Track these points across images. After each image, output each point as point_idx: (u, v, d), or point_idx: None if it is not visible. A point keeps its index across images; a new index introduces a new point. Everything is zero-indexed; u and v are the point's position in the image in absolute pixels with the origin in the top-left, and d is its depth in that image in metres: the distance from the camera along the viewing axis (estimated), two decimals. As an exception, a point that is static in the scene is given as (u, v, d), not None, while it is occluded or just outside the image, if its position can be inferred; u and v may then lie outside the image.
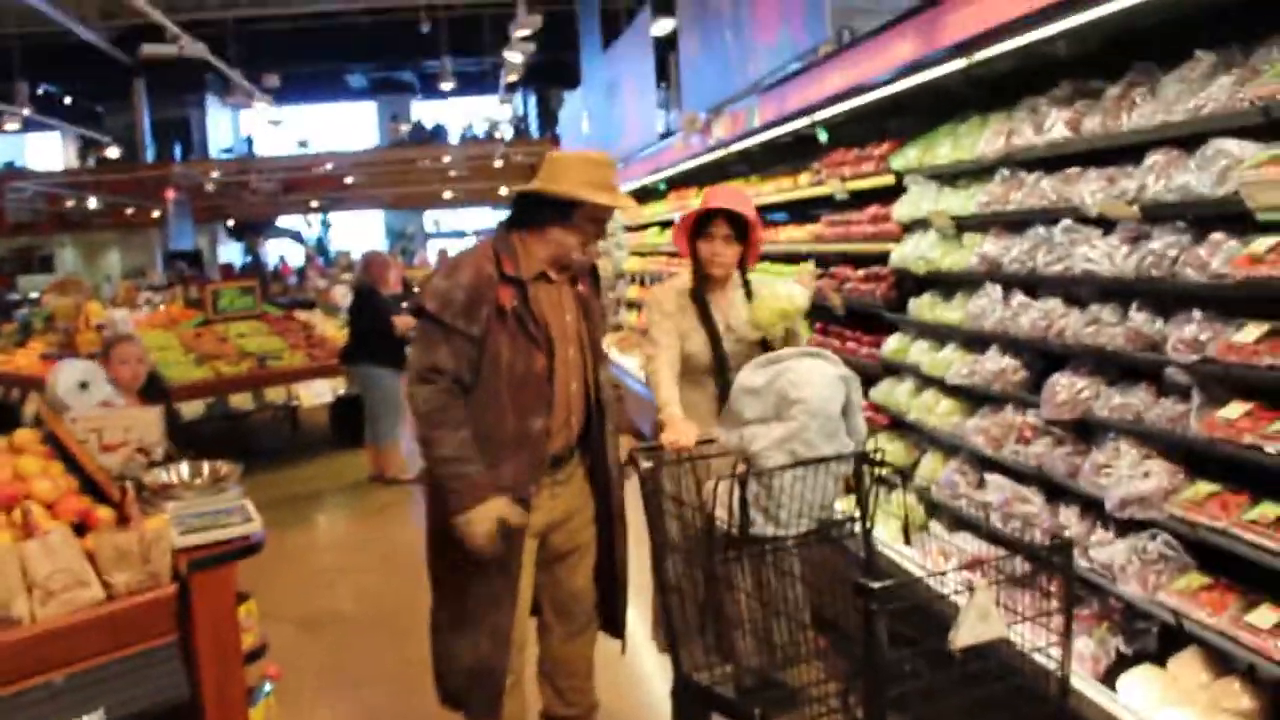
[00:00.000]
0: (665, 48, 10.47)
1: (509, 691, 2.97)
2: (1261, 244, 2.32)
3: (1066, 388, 2.98)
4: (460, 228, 32.29)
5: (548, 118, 28.08)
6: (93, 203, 26.09)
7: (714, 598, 3.10)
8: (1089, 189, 2.94)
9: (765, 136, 5.69)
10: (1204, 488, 2.47)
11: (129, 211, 26.83)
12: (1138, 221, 2.78)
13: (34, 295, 17.15)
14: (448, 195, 28.21)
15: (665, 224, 9.06)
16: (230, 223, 30.50)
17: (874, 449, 2.94)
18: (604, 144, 11.75)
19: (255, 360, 8.22)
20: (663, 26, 9.66)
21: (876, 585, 2.22)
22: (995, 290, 3.47)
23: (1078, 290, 3.10)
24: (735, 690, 3.01)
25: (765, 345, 3.40)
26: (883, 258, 4.39)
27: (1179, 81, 2.69)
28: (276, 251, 31.87)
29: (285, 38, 23.43)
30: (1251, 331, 2.35)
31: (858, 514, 3.02)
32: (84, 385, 3.61)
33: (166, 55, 11.58)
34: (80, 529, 2.93)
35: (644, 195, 9.94)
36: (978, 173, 3.71)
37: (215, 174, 26.85)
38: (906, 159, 4.17)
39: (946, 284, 3.92)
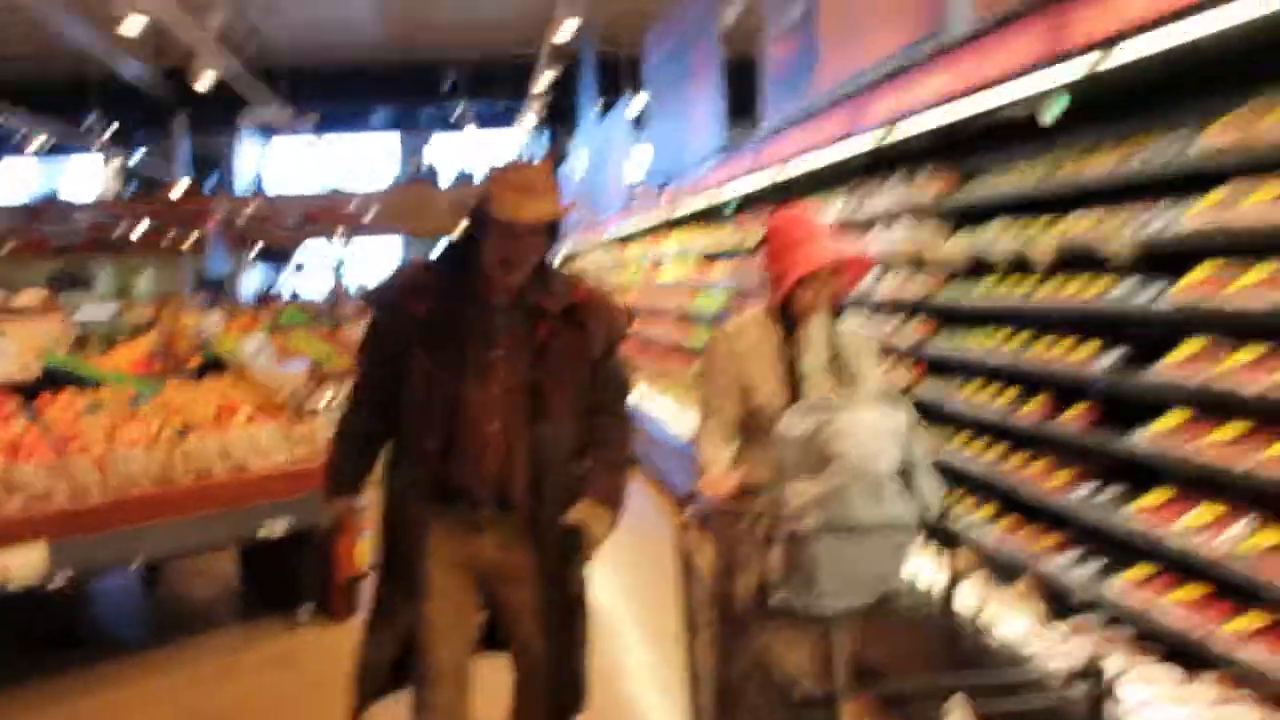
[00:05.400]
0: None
1: None
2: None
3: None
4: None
5: (556, 158, 29.99)
6: (136, 230, 27.99)
7: (729, 679, 2.83)
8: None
9: (692, 208, 8.11)
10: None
11: (168, 237, 28.88)
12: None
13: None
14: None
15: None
16: (258, 247, 32.66)
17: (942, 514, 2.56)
18: (592, 194, 14.12)
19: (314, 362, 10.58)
20: (634, 109, 12.66)
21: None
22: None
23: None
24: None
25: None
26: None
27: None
28: (299, 274, 33.94)
29: (320, 80, 26.14)
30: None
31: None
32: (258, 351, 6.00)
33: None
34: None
35: (624, 241, 12.44)
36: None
37: (248, 209, 29.21)
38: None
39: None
